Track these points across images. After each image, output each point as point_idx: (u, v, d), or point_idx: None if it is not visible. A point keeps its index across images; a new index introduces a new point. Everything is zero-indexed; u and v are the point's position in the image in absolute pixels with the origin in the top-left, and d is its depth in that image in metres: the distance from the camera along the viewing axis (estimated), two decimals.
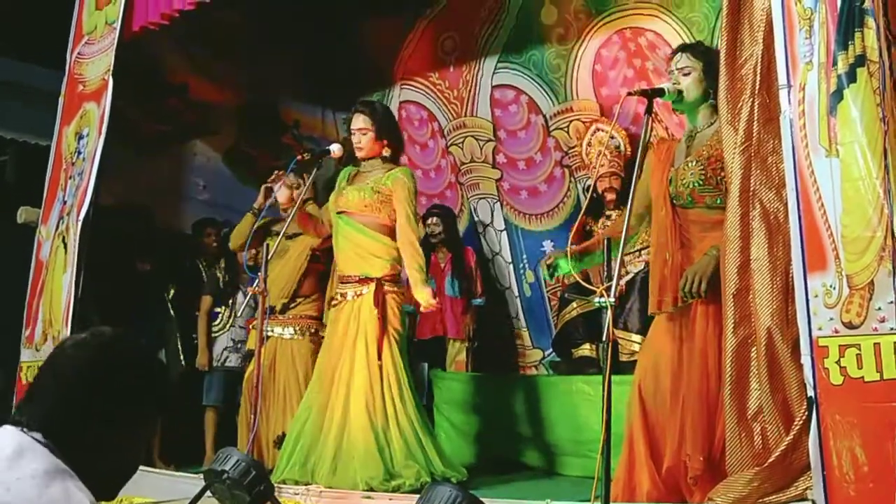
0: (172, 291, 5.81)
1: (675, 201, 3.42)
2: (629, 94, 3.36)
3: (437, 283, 5.71)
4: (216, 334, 5.69)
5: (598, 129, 5.45)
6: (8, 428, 1.52)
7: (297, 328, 5.06)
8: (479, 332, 5.81)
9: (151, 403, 1.64)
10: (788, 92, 2.86)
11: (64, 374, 1.56)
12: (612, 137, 5.29)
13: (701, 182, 3.32)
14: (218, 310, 5.72)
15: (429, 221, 5.82)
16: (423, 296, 4.21)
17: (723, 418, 3.06)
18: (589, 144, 5.48)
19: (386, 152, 4.45)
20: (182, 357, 5.67)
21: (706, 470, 3.12)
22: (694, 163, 3.36)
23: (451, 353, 5.76)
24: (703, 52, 3.47)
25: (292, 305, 5.09)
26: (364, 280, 4.31)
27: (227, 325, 5.71)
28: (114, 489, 1.59)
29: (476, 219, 6.40)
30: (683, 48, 3.55)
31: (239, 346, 5.68)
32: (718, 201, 3.26)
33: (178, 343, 5.69)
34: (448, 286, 5.72)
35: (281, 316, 5.05)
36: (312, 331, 5.05)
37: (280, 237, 4.58)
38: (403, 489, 3.94)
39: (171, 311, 5.74)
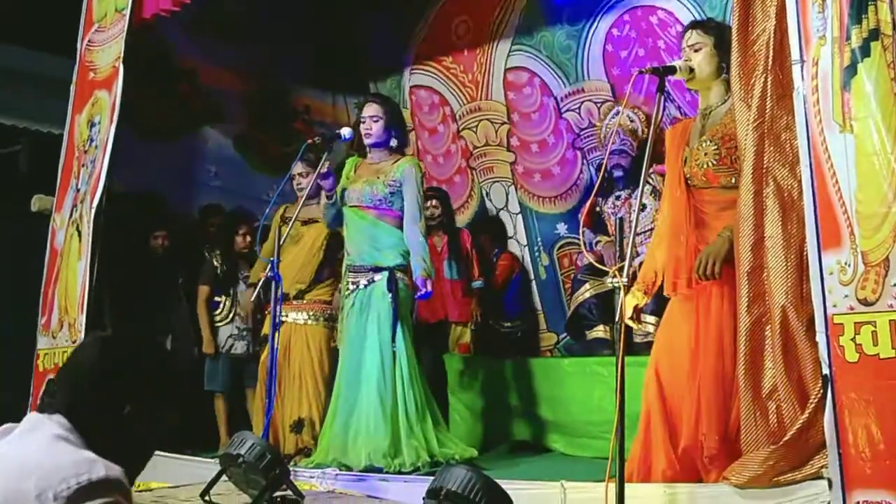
0: (181, 279, 5.82)
1: (689, 181, 3.39)
2: (640, 72, 3.31)
3: (436, 266, 5.67)
4: (219, 324, 5.70)
5: (619, 112, 5.38)
6: (35, 415, 1.62)
7: (312, 313, 5.07)
8: (486, 316, 5.80)
9: (163, 394, 1.72)
10: (802, 67, 2.82)
11: (82, 366, 1.66)
12: (632, 121, 5.24)
13: (715, 162, 3.30)
14: (218, 299, 5.72)
15: (427, 204, 5.74)
16: (419, 283, 4.30)
17: (738, 398, 3.05)
18: (609, 127, 5.40)
19: (393, 143, 4.56)
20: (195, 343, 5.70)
21: (722, 449, 3.11)
22: (708, 142, 3.33)
23: (454, 336, 5.75)
24: (714, 28, 3.44)
25: (309, 291, 5.10)
26: (376, 269, 4.41)
27: (230, 315, 5.72)
28: (132, 474, 1.65)
29: (489, 203, 6.38)
30: (694, 24, 3.53)
31: (244, 333, 5.71)
32: (734, 181, 3.22)
33: (191, 329, 5.72)
34: (447, 269, 5.67)
35: (295, 301, 5.06)
36: (326, 316, 5.05)
37: (293, 221, 4.57)
38: (405, 468, 4.06)
39: (183, 298, 5.76)
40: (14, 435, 1.57)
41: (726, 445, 3.10)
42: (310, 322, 5.05)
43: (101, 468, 1.48)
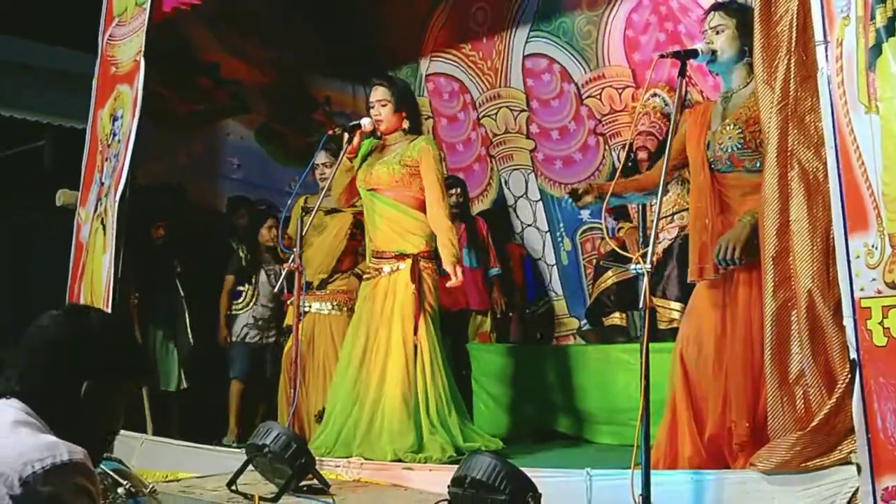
0: (179, 268, 5.85)
1: (713, 166, 3.36)
2: (661, 56, 3.28)
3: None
4: (237, 312, 5.76)
5: (656, 95, 5.32)
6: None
7: (335, 303, 5.09)
8: (510, 304, 5.80)
9: (119, 372, 1.71)
10: (826, 48, 2.78)
11: (35, 343, 1.66)
12: (666, 104, 5.17)
13: (740, 146, 3.26)
14: (241, 288, 5.78)
15: (451, 192, 5.73)
16: (450, 271, 4.25)
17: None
18: (644, 106, 5.30)
19: (405, 125, 4.46)
20: (190, 334, 5.75)
21: (751, 436, 3.09)
22: (732, 126, 3.29)
23: (474, 325, 5.74)
24: (736, 10, 3.39)
25: (331, 281, 5.11)
26: (400, 256, 4.33)
27: (251, 303, 5.77)
28: (96, 454, 1.65)
29: (507, 191, 6.37)
30: (716, 6, 3.47)
31: (260, 323, 5.77)
32: (758, 164, 3.19)
33: (187, 319, 5.76)
34: (466, 257, 5.62)
35: (319, 291, 5.07)
36: (350, 306, 5.05)
37: (315, 211, 4.55)
38: (431, 462, 4.00)
39: (179, 288, 5.81)
40: None
41: (755, 432, 3.07)
42: (333, 312, 5.06)
43: (65, 451, 1.48)
